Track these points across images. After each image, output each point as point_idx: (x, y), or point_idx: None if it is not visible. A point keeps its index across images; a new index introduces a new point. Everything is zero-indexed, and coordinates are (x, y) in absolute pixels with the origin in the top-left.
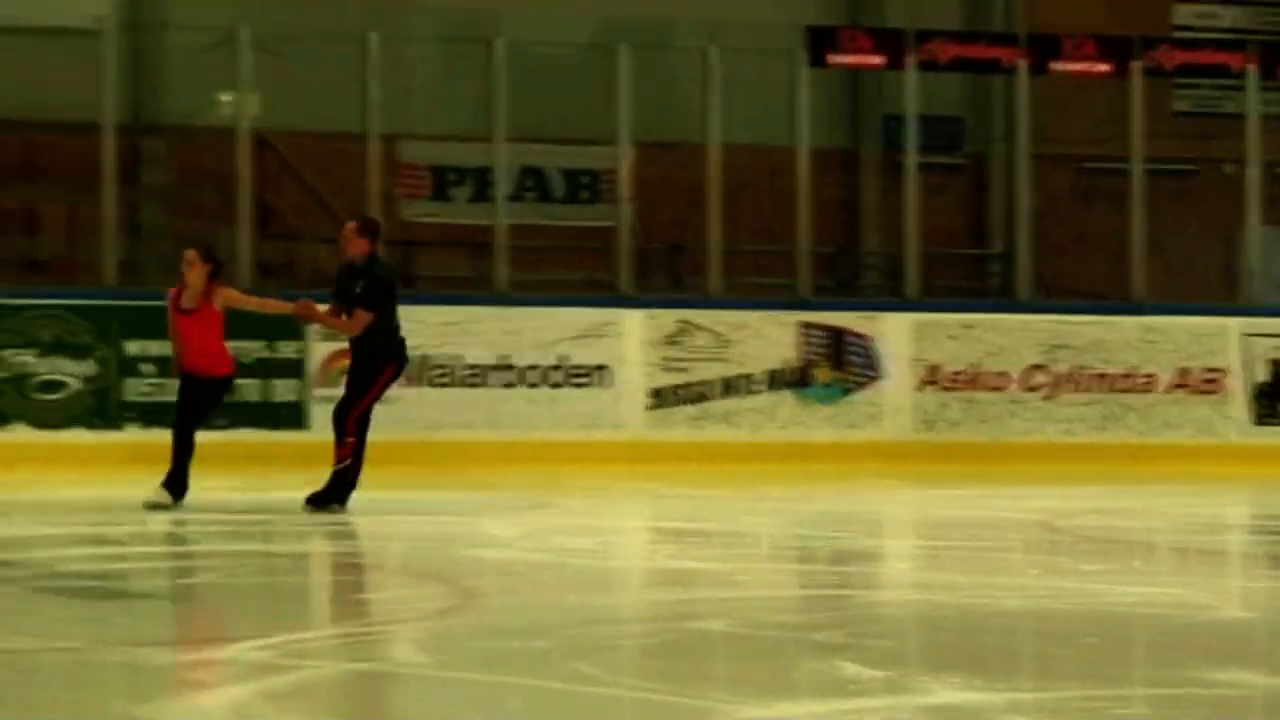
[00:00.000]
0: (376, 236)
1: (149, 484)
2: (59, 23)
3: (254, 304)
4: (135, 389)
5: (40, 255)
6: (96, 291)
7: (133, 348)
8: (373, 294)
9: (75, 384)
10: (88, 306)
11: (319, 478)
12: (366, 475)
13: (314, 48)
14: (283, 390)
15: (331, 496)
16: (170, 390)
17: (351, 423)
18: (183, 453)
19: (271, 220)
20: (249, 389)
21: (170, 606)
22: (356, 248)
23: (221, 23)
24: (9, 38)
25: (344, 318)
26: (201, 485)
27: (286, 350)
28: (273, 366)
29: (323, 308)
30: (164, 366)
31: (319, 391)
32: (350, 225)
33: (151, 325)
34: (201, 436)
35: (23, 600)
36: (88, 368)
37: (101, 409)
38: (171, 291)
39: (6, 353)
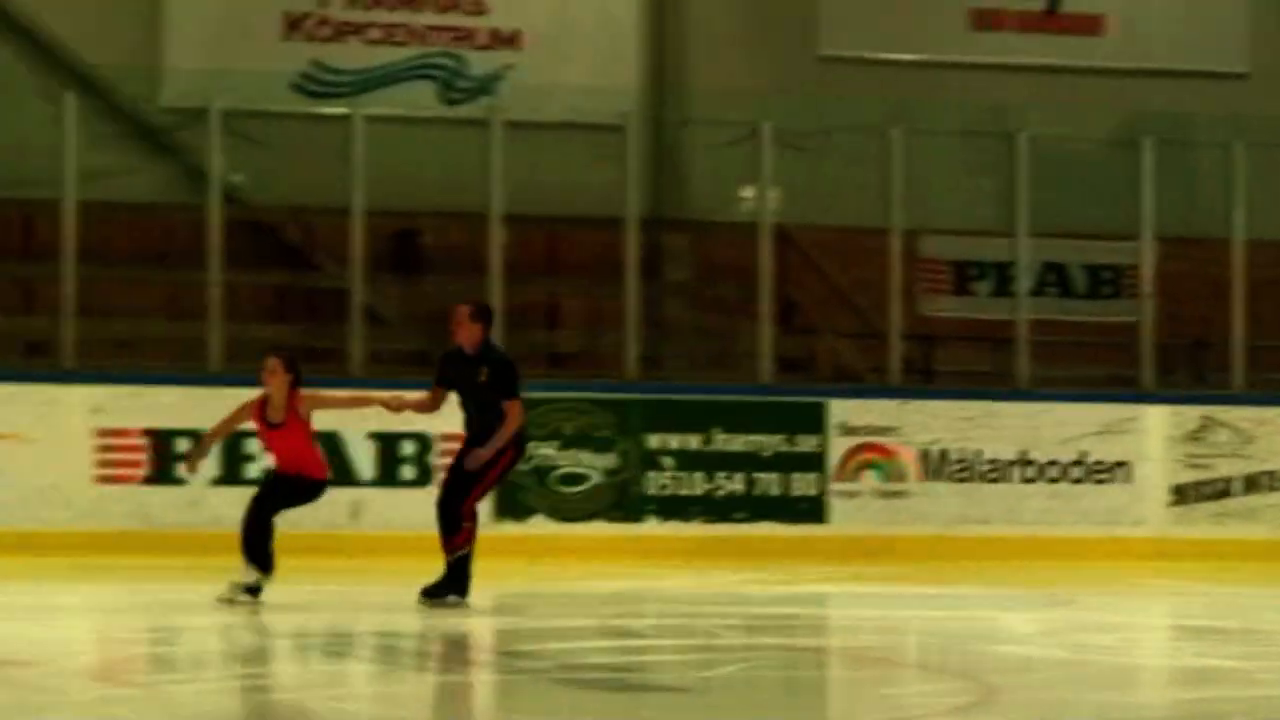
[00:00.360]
0: (490, 323)
1: (670, 576)
2: (583, 119)
3: (343, 402)
4: (656, 482)
5: (561, 348)
6: (618, 385)
7: (654, 441)
8: (508, 380)
9: (596, 477)
10: (609, 400)
11: (837, 572)
12: (882, 570)
13: (835, 142)
14: (802, 484)
15: (451, 587)
16: (691, 484)
17: (468, 509)
18: (260, 537)
19: (792, 315)
20: (769, 483)
21: (689, 699)
22: (469, 334)
23: (744, 118)
24: (534, 134)
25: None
26: (721, 579)
27: (806, 445)
28: (792, 461)
29: (415, 395)
30: (684, 460)
31: (837, 486)
32: (464, 309)
33: (673, 419)
34: (720, 530)
35: (543, 691)
36: (609, 461)
37: (622, 502)
38: (255, 401)
39: (528, 445)
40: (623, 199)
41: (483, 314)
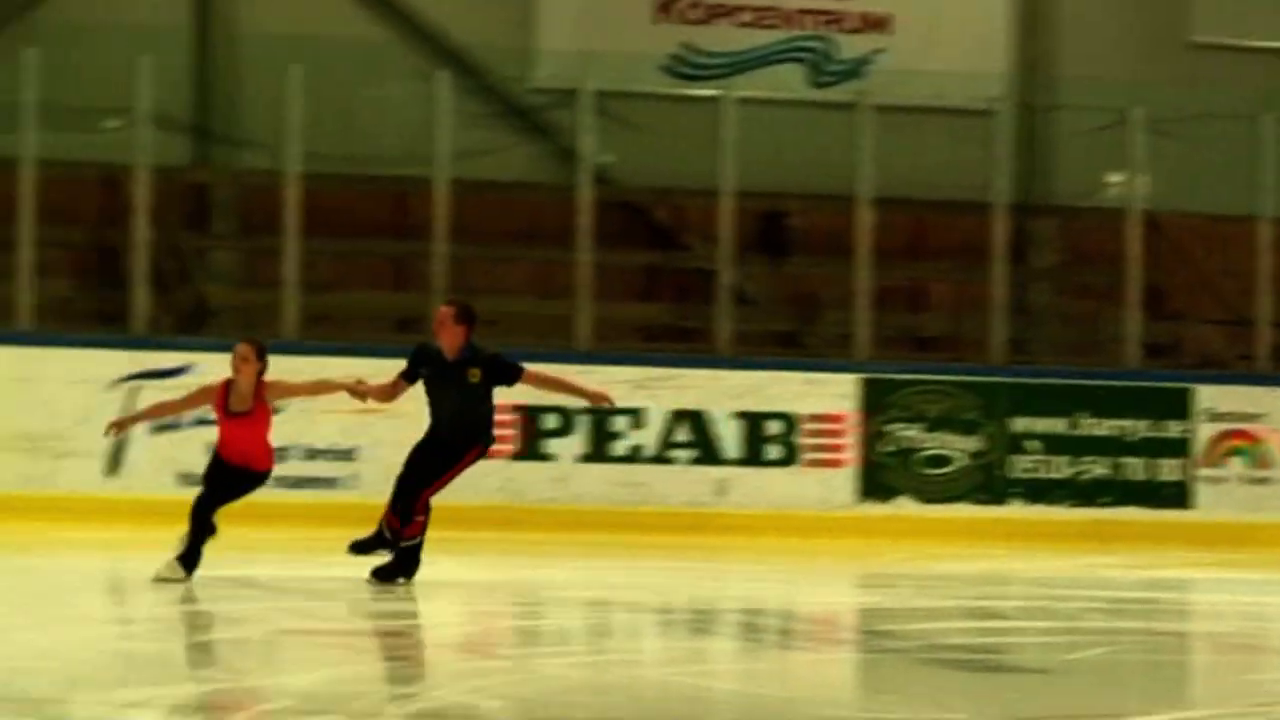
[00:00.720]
0: (473, 325)
1: (1034, 559)
2: (952, 104)
3: (307, 389)
4: (1020, 465)
5: (927, 332)
6: (984, 368)
7: (1019, 425)
8: (508, 367)
9: (962, 459)
10: (975, 383)
11: (1201, 558)
12: (1247, 555)
13: (1206, 129)
14: (1168, 470)
15: (400, 570)
16: (1055, 468)
17: (423, 503)
18: (200, 531)
19: (1160, 302)
20: (1133, 468)
21: (1050, 681)
22: (453, 336)
23: (1114, 104)
24: (902, 117)
25: (387, 392)
26: (1085, 563)
27: (1172, 430)
28: (1158, 446)
29: (377, 383)
30: (1050, 444)
31: (1203, 471)
32: (447, 311)
33: (1039, 403)
34: (1084, 513)
35: (906, 670)
36: (975, 443)
37: (987, 484)
38: (218, 386)
39: (893, 427)
40: (990, 184)
41: (467, 316)
